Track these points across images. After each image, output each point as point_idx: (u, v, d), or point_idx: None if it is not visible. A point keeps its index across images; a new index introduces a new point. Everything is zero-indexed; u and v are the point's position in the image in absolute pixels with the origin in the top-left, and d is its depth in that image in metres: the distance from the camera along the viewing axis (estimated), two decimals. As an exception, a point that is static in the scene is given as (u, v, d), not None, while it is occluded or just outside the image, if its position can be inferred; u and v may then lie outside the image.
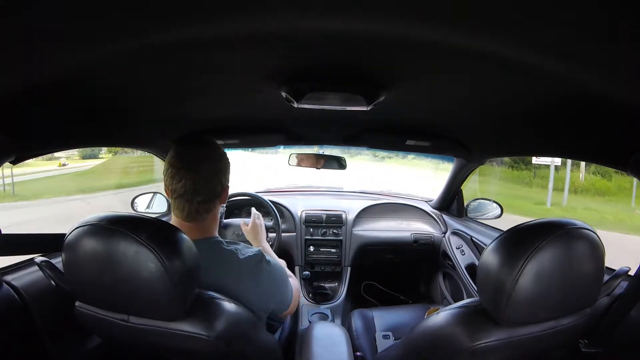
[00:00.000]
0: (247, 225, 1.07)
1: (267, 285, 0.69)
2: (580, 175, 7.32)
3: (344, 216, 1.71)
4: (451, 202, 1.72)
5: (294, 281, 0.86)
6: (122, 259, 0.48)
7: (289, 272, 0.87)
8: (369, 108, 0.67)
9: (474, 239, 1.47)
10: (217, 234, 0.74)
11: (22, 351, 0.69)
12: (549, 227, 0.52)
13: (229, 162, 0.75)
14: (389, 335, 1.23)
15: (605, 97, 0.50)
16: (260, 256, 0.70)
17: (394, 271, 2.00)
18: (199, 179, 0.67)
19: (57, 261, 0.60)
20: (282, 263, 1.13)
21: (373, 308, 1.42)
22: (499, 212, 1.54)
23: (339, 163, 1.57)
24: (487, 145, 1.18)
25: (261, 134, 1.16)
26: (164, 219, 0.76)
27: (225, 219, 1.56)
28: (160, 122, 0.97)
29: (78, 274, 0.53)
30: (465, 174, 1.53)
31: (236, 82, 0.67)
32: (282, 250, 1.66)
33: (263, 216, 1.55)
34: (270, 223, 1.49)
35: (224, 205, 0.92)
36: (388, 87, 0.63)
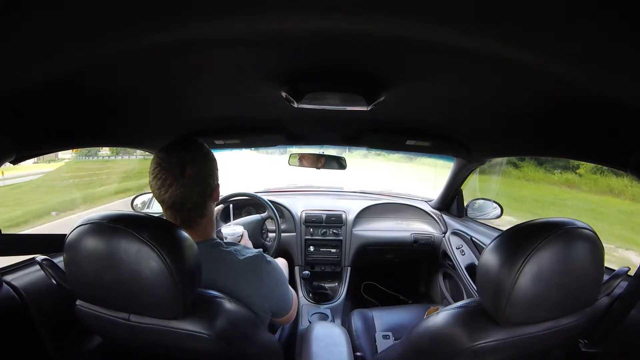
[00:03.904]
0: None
1: (267, 285, 0.69)
2: None
3: (344, 216, 1.71)
4: (451, 202, 1.72)
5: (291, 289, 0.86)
6: (123, 257, 0.48)
7: None
8: (369, 108, 0.67)
9: (474, 239, 1.48)
10: (214, 236, 0.74)
11: (22, 351, 0.69)
12: (549, 226, 0.52)
13: (215, 161, 0.73)
14: (389, 336, 1.23)
15: (605, 97, 0.50)
16: (260, 257, 0.69)
17: (394, 271, 2.00)
18: (185, 186, 0.64)
19: (58, 261, 0.60)
20: (283, 263, 1.13)
21: (373, 308, 1.42)
22: (499, 212, 1.54)
23: (339, 163, 1.57)
24: (487, 145, 1.18)
25: (261, 134, 1.16)
26: (164, 218, 0.76)
27: (224, 220, 1.56)
28: (160, 122, 0.97)
29: (79, 273, 0.53)
30: (465, 174, 1.53)
31: (236, 82, 0.67)
32: (282, 250, 1.66)
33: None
34: (265, 213, 1.50)
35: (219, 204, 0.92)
36: (388, 87, 0.64)
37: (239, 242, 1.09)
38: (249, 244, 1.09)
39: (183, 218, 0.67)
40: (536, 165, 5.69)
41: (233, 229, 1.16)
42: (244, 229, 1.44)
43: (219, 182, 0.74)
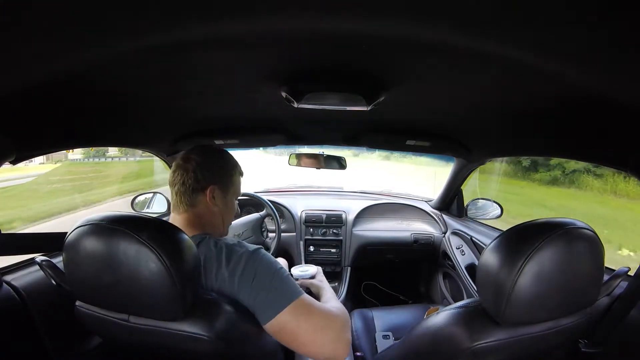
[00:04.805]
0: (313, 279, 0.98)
1: (250, 280, 0.61)
2: None
3: (344, 216, 1.71)
4: (451, 202, 1.72)
5: (326, 308, 0.65)
6: (122, 258, 0.48)
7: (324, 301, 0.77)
8: (369, 108, 0.67)
9: (474, 239, 1.47)
10: (208, 231, 0.72)
11: (22, 351, 0.69)
12: (549, 227, 0.52)
13: (222, 166, 0.75)
14: (389, 335, 1.23)
15: (604, 97, 0.50)
16: (249, 253, 0.64)
17: (394, 271, 2.00)
18: (180, 167, 0.72)
19: (58, 261, 0.60)
20: (283, 263, 1.11)
21: (373, 308, 1.42)
22: (499, 212, 1.54)
23: (339, 163, 1.57)
24: (487, 145, 1.18)
25: (261, 134, 1.16)
26: (164, 219, 0.76)
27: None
28: (160, 122, 0.97)
29: (79, 274, 0.53)
30: (465, 174, 1.53)
31: (236, 82, 0.67)
32: (282, 250, 1.66)
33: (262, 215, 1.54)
34: (264, 211, 1.50)
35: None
36: (388, 87, 0.64)
37: (313, 276, 0.99)
38: (324, 279, 0.97)
39: (173, 199, 0.73)
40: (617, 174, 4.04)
41: (305, 269, 1.05)
42: (247, 227, 1.43)
43: (221, 190, 0.74)
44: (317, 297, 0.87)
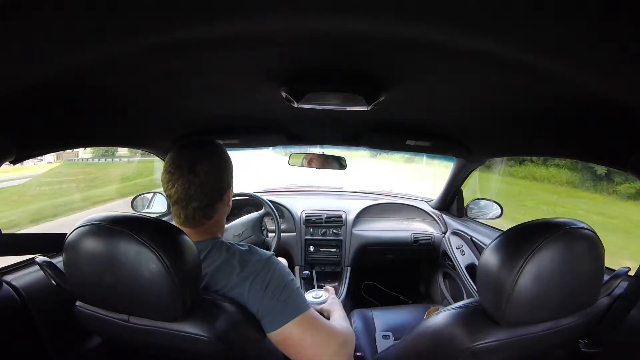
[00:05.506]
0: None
1: (261, 289, 0.62)
2: None
3: (344, 216, 1.71)
4: (451, 202, 1.72)
5: (336, 327, 0.67)
6: (123, 259, 0.48)
7: (333, 320, 0.75)
8: (369, 108, 0.67)
9: (474, 239, 1.48)
10: (219, 235, 0.71)
11: (22, 351, 0.69)
12: (549, 227, 0.52)
13: (230, 163, 0.72)
14: (389, 336, 1.23)
15: (604, 97, 0.50)
16: (263, 261, 0.64)
17: (394, 271, 2.00)
18: (192, 182, 0.63)
19: (58, 261, 0.60)
20: (284, 262, 1.12)
21: (373, 308, 1.42)
22: (499, 213, 1.54)
23: (339, 163, 1.57)
24: (487, 145, 1.18)
25: (261, 134, 1.16)
26: (164, 219, 0.76)
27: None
28: (160, 122, 0.97)
29: (79, 274, 0.53)
30: (465, 174, 1.53)
31: (236, 82, 0.67)
32: (282, 250, 1.66)
33: (264, 216, 1.54)
34: (263, 210, 1.50)
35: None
36: (388, 87, 0.63)
37: (325, 302, 0.98)
38: (335, 302, 0.96)
39: (187, 215, 0.65)
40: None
41: (319, 295, 1.08)
42: (247, 227, 1.43)
43: (232, 186, 0.71)
44: (327, 319, 0.86)
